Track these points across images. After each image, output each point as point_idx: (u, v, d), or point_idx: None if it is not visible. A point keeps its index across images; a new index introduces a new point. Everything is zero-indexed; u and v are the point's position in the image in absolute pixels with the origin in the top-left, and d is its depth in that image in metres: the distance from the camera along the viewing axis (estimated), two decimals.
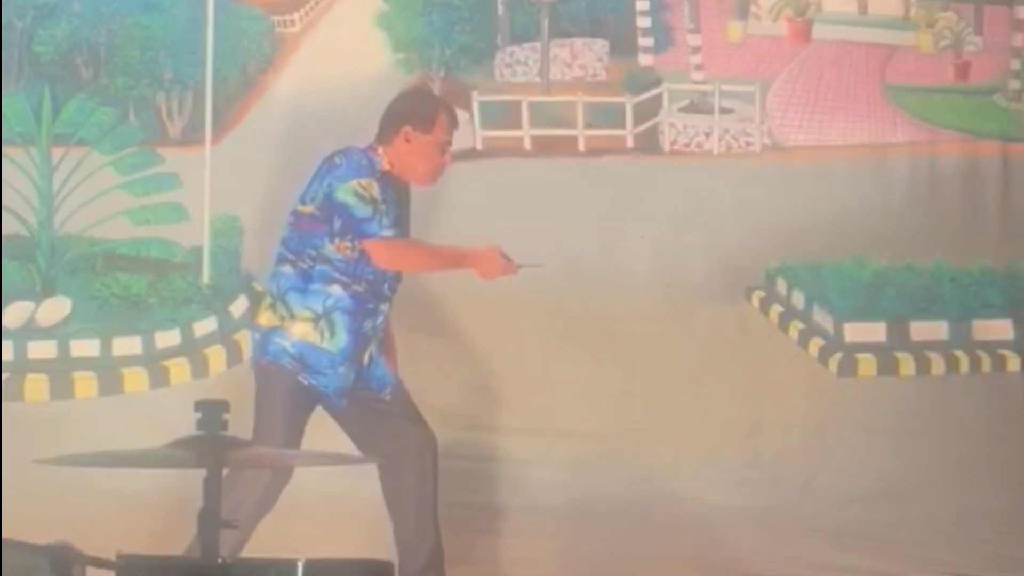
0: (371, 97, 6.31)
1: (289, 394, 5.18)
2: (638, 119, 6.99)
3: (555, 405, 6.65)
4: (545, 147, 6.95)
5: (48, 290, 6.93)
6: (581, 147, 6.96)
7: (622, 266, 6.73)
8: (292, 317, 5.18)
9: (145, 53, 7.04)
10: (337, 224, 5.14)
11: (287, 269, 5.18)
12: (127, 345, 6.87)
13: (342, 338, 5.20)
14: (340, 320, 5.20)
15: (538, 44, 7.06)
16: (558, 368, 6.67)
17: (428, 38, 6.99)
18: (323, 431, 5.45)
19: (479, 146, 6.97)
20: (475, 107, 6.97)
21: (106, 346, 6.88)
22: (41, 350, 6.87)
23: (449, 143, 5.30)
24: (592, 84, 7.03)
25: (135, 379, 6.85)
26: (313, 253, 5.17)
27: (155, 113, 7.02)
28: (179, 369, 6.86)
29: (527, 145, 6.97)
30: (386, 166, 5.27)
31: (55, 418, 6.67)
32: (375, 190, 5.14)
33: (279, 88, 6.76)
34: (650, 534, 6.38)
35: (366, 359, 5.32)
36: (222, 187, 6.79)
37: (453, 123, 5.34)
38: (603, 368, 6.66)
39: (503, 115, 6.98)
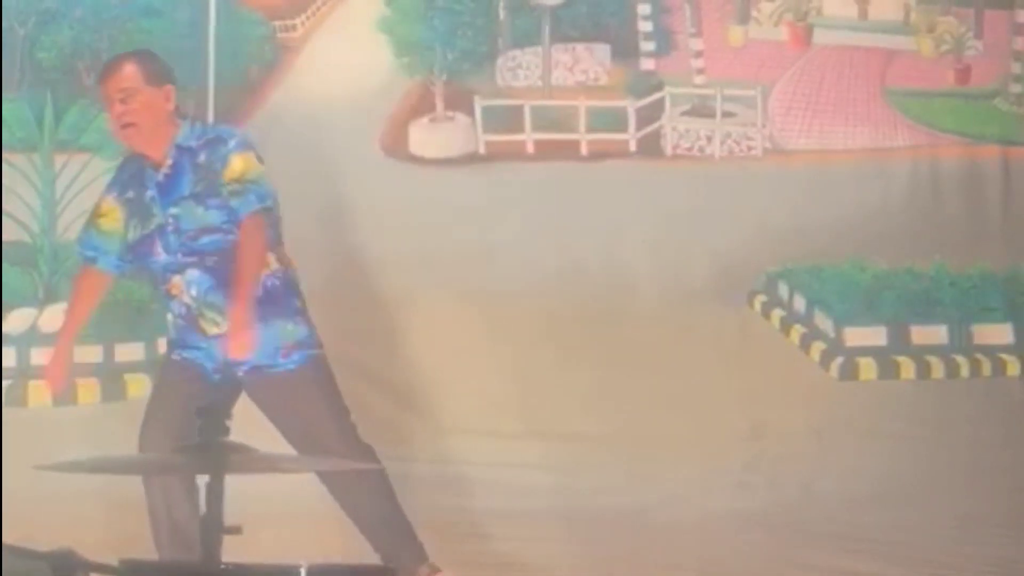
0: (373, 101, 6.34)
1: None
2: (640, 123, 7.00)
3: (555, 408, 6.65)
4: (547, 151, 6.95)
5: (50, 296, 6.93)
6: (583, 151, 6.96)
7: (623, 270, 6.73)
8: None
9: None
10: None
11: None
12: (130, 351, 6.88)
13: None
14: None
15: (540, 48, 7.06)
16: (559, 371, 6.66)
17: (430, 42, 6.99)
18: None
19: (481, 150, 6.97)
20: (477, 111, 6.97)
21: (108, 352, 6.88)
22: (44, 356, 6.85)
23: (116, 95, 5.18)
24: (594, 88, 7.03)
25: (138, 385, 6.85)
26: None
27: None
28: None
29: (529, 149, 6.97)
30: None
31: (58, 424, 6.68)
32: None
33: (281, 93, 6.76)
34: (649, 538, 6.38)
35: (212, 332, 5.22)
36: None
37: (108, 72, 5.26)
38: (604, 371, 6.66)
39: (505, 119, 6.98)
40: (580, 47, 7.07)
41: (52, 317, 6.91)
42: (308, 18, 7.10)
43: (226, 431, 3.69)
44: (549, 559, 6.28)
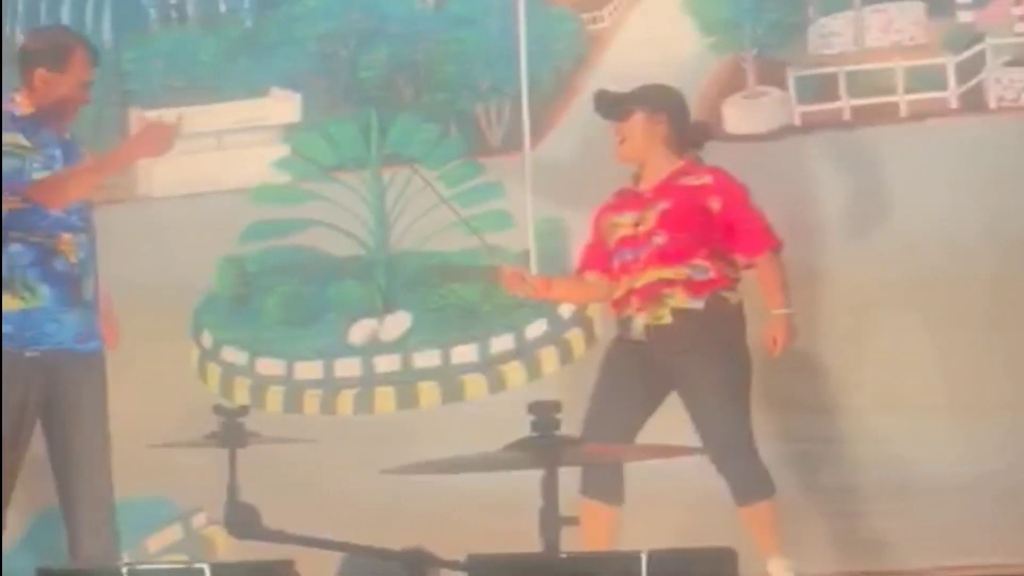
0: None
1: (21, 382, 5.24)
2: (960, 79, 6.73)
3: (889, 378, 6.47)
4: (865, 116, 6.76)
5: (389, 306, 7.17)
6: (903, 112, 6.74)
7: (955, 234, 6.48)
8: None
9: (462, 66, 7.20)
10: None
11: None
12: (465, 353, 7.04)
13: (44, 291, 5.26)
14: (32, 274, 5.26)
15: (851, 13, 6.88)
16: (893, 341, 6.48)
17: (737, 19, 6.90)
18: None
19: (797, 121, 6.83)
20: (790, 83, 6.84)
21: (446, 355, 7.06)
22: (387, 364, 7.11)
23: (90, 78, 5.38)
24: (910, 48, 6.80)
25: (474, 386, 7.02)
26: None
27: (475, 124, 7.16)
28: (514, 373, 7.00)
29: (846, 116, 6.79)
30: (26, 111, 5.35)
31: (403, 427, 6.90)
32: (16, 139, 5.23)
33: (592, 85, 6.78)
34: (993, 507, 6.15)
35: (87, 296, 5.38)
36: (543, 190, 6.88)
37: (93, 58, 5.42)
38: (939, 339, 6.43)
39: (819, 88, 6.82)
40: (893, 7, 6.85)
41: (392, 326, 7.15)
42: (615, 8, 7.12)
43: (557, 424, 3.76)
44: (899, 535, 6.15)
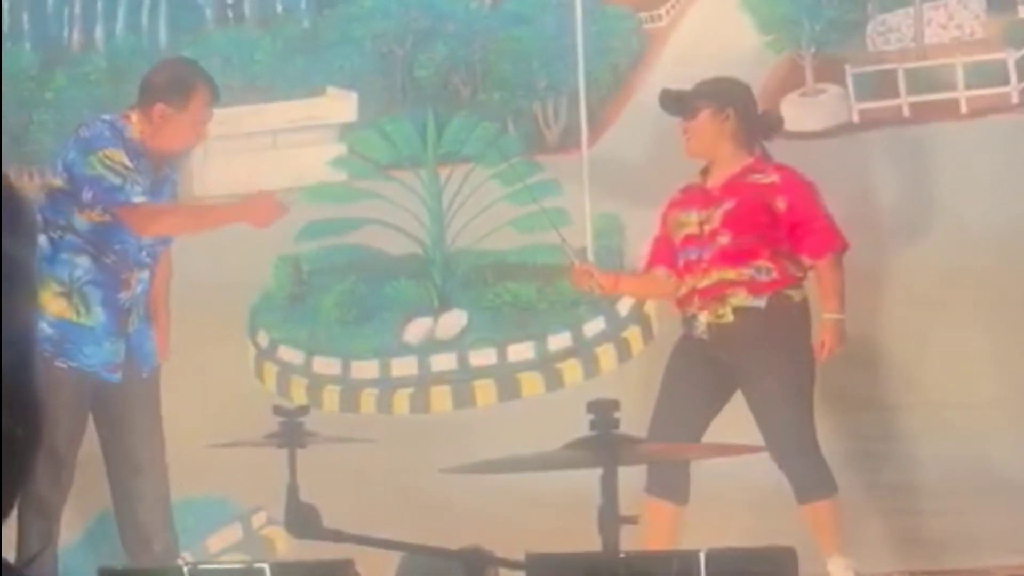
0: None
1: (55, 388, 5.17)
2: (1022, 74, 6.66)
3: (950, 376, 6.42)
4: (924, 112, 6.71)
5: (445, 305, 7.16)
6: (963, 109, 6.67)
7: (1014, 227, 6.43)
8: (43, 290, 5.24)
9: (518, 65, 7.18)
10: (87, 195, 5.23)
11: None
12: (521, 351, 7.03)
13: (98, 312, 5.22)
14: (92, 293, 5.22)
15: (911, 9, 6.82)
16: (952, 337, 6.43)
17: (795, 16, 6.85)
18: None
19: (855, 119, 6.78)
20: (849, 80, 6.79)
21: (502, 353, 7.05)
22: (443, 362, 7.10)
23: (208, 119, 5.43)
24: (970, 43, 6.73)
25: (531, 383, 7.01)
26: (62, 223, 5.21)
27: (532, 122, 7.14)
28: (572, 370, 6.97)
29: (905, 112, 6.74)
30: (136, 135, 5.33)
31: (460, 426, 6.88)
32: (123, 158, 5.20)
33: (649, 83, 6.76)
34: None
35: (130, 329, 5.34)
36: (601, 187, 6.86)
37: (213, 98, 5.43)
38: (996, 336, 6.37)
39: (878, 85, 6.76)
40: (952, 2, 6.79)
41: (448, 325, 7.14)
42: (673, 7, 7.08)
43: (616, 422, 3.74)
44: (948, 533, 6.09)
